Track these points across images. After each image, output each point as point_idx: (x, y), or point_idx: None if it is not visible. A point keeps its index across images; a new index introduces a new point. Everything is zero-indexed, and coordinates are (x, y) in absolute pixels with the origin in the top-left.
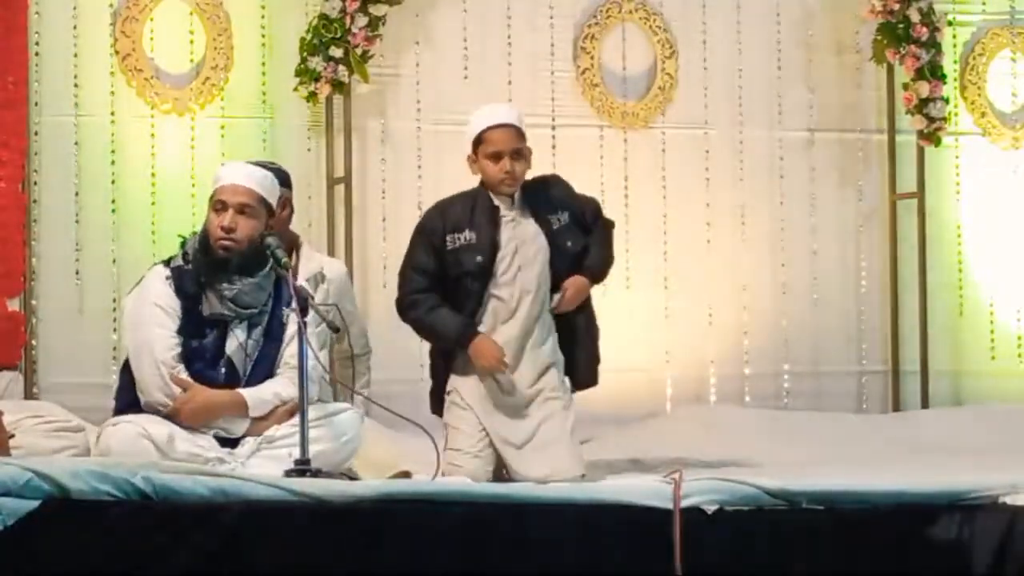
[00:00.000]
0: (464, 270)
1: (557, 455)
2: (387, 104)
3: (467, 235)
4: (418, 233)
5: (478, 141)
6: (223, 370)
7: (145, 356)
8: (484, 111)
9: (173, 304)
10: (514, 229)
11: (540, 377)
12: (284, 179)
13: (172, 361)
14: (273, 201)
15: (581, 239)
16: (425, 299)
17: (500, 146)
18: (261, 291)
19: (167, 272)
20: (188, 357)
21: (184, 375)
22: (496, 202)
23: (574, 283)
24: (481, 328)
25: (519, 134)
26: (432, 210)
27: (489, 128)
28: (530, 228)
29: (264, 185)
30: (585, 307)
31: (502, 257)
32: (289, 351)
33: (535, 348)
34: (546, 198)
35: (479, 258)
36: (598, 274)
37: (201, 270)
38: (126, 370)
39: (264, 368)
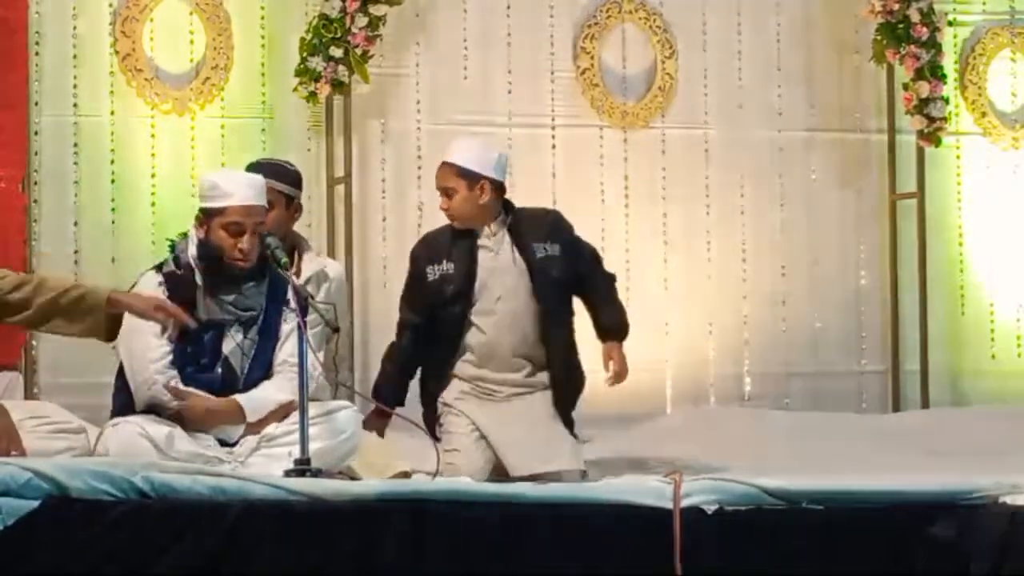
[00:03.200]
0: (442, 299)
1: (556, 450)
2: (387, 104)
3: (445, 266)
4: (409, 263)
5: None
6: (219, 371)
7: (138, 365)
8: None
9: None
10: (494, 258)
11: (528, 406)
12: (297, 180)
13: (164, 369)
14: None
15: (570, 272)
16: (397, 343)
17: (436, 183)
18: (260, 294)
19: (159, 278)
20: (184, 360)
21: (177, 382)
22: (476, 232)
23: (615, 354)
24: (464, 358)
25: (450, 171)
26: (419, 241)
27: None
28: (510, 258)
29: (265, 192)
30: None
31: (480, 286)
32: (286, 350)
33: (521, 378)
34: (536, 228)
35: (453, 287)
36: (623, 332)
37: (212, 283)
38: (120, 375)
39: (260, 367)
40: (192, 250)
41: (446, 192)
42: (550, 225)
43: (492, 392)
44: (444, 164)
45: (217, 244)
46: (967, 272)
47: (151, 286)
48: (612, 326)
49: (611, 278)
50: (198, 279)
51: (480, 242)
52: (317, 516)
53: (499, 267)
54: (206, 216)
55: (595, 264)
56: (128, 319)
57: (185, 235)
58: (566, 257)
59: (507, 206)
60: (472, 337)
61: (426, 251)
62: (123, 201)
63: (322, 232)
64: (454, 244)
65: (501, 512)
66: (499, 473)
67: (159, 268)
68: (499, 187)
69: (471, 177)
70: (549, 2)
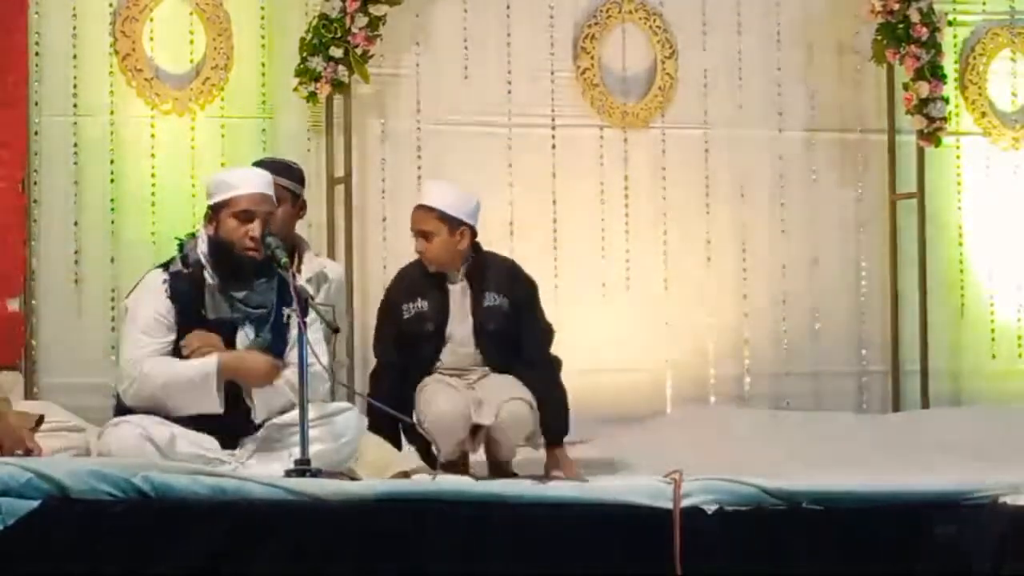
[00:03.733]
0: (418, 336)
1: (508, 390)
2: (387, 104)
3: (420, 303)
4: (383, 301)
5: None
6: None
7: (131, 359)
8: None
9: (168, 314)
10: (456, 300)
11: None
12: (301, 178)
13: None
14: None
15: (511, 329)
16: (379, 388)
17: (411, 225)
18: (271, 291)
19: (164, 276)
20: None
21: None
22: (444, 272)
23: (559, 462)
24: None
25: (431, 215)
26: (393, 280)
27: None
28: (467, 302)
29: (272, 185)
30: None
31: (449, 325)
32: (296, 352)
33: (482, 412)
34: (496, 279)
35: (429, 325)
36: (564, 432)
37: (223, 277)
38: None
39: None
40: (202, 247)
41: (424, 234)
42: (506, 277)
43: (461, 376)
44: (424, 207)
45: (227, 236)
46: (967, 272)
47: (155, 285)
48: (556, 426)
49: (558, 364)
50: (208, 277)
51: (447, 283)
52: (317, 516)
53: (462, 309)
54: (215, 211)
55: (545, 345)
56: (129, 320)
57: (194, 235)
58: (513, 312)
59: (475, 248)
60: (437, 373)
61: (400, 289)
62: (123, 201)
63: (322, 232)
64: (425, 283)
65: (501, 512)
66: (494, 471)
67: (166, 267)
68: (475, 233)
69: (453, 222)
70: (549, 2)
